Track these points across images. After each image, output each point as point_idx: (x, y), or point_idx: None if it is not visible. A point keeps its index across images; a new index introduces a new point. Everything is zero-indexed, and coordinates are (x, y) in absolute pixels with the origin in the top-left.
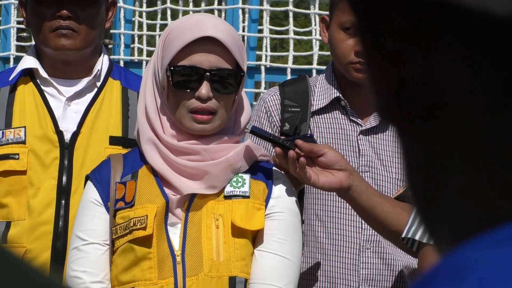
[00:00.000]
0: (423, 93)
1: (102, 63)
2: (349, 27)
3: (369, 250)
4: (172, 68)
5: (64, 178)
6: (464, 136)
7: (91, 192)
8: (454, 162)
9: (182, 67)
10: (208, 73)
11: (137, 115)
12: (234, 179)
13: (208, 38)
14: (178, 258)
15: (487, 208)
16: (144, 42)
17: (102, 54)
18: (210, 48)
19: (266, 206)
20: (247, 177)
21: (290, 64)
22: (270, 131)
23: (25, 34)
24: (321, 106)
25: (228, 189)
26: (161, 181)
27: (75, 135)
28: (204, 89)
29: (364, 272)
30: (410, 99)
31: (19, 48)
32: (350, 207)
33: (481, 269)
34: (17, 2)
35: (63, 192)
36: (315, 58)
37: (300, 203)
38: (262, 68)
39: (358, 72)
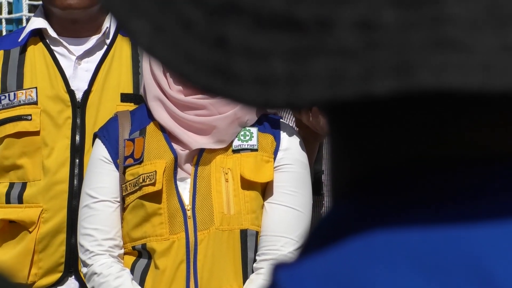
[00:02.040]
0: None
1: (111, 20)
2: None
3: None
4: None
5: (77, 137)
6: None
7: (100, 150)
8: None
9: None
10: None
11: (143, 72)
12: (242, 132)
13: None
14: (189, 213)
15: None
16: None
17: None
18: None
19: (274, 158)
20: (254, 130)
21: None
22: None
23: None
24: None
25: (236, 142)
26: (169, 136)
27: (87, 93)
28: None
29: None
30: None
31: (32, 8)
32: None
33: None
34: None
35: (77, 151)
36: None
37: (320, 153)
38: None
39: None
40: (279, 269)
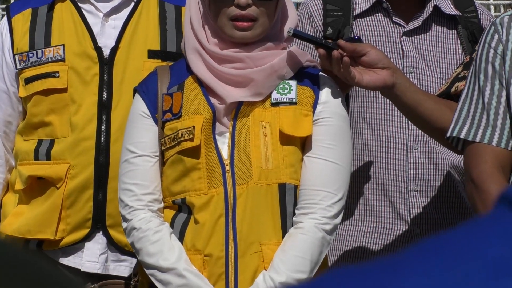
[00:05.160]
0: None
1: None
2: None
3: (416, 150)
4: None
5: (104, 94)
6: None
7: (139, 105)
8: None
9: None
10: None
11: (184, 25)
12: (281, 85)
13: None
14: (227, 167)
15: None
16: None
17: None
18: None
19: (313, 112)
20: (293, 83)
21: None
22: None
23: None
24: (363, 10)
25: (275, 96)
26: (207, 91)
27: (114, 50)
28: None
29: (412, 172)
30: None
31: None
32: (396, 108)
33: None
34: None
35: (104, 108)
36: None
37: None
38: None
39: None
40: None
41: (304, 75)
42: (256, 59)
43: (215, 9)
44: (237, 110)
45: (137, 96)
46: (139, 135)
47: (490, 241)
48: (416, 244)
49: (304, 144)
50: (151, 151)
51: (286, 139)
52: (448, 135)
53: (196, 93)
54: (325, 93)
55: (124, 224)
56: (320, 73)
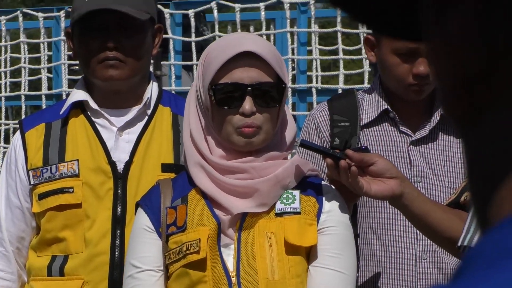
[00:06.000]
0: (485, 84)
1: (152, 91)
2: (403, 53)
3: (425, 260)
4: (214, 86)
5: (118, 209)
6: None
7: (142, 219)
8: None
9: (223, 84)
10: (250, 88)
11: (183, 139)
12: (284, 195)
13: (246, 53)
14: (234, 279)
15: None
16: (195, 71)
17: (151, 82)
18: (249, 63)
19: (318, 221)
20: (297, 193)
21: (341, 85)
22: None
23: (77, 67)
24: (370, 120)
25: (279, 206)
26: (211, 202)
27: (128, 164)
28: (248, 104)
29: (421, 283)
30: (471, 89)
31: (71, 84)
32: (404, 218)
33: None
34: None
35: (118, 222)
36: (366, 76)
37: (354, 217)
38: (313, 90)
39: (418, 94)
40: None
41: (307, 185)
42: (260, 169)
43: (220, 119)
44: (242, 221)
45: (140, 210)
46: (143, 249)
47: None
48: None
49: (309, 254)
50: (155, 266)
51: (291, 249)
52: (459, 244)
53: (200, 206)
54: (329, 202)
55: None
56: (323, 182)
